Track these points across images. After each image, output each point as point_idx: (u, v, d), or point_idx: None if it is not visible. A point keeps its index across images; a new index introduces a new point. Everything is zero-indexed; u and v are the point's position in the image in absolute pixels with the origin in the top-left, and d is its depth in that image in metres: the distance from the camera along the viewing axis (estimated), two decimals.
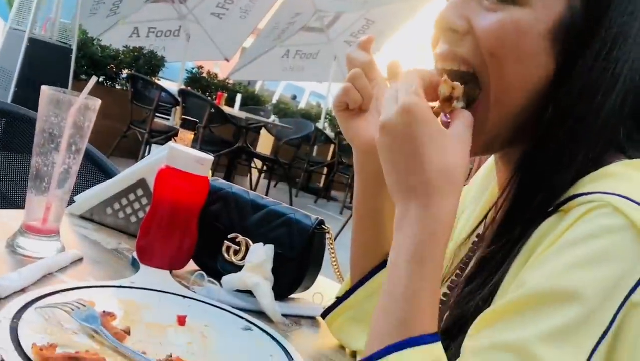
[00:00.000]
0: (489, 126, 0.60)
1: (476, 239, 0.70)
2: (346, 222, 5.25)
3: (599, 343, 0.47)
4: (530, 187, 0.58)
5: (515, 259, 0.56)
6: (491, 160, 0.78)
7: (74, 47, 5.03)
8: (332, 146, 8.33)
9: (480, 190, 0.78)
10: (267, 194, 0.97)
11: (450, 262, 0.72)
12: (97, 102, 0.81)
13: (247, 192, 0.95)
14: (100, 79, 6.43)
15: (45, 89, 0.78)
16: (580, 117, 0.56)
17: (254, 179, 6.91)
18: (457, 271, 0.71)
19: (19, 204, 1.28)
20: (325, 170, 8.51)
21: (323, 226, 0.92)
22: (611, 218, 0.49)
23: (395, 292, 0.54)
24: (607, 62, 0.56)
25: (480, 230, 0.70)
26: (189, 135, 1.00)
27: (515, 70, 0.57)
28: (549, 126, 0.57)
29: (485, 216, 0.70)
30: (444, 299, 0.71)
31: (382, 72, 0.72)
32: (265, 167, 7.10)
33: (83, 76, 6.03)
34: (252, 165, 6.95)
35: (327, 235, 0.93)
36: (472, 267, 0.64)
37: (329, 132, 8.50)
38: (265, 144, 7.89)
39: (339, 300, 0.81)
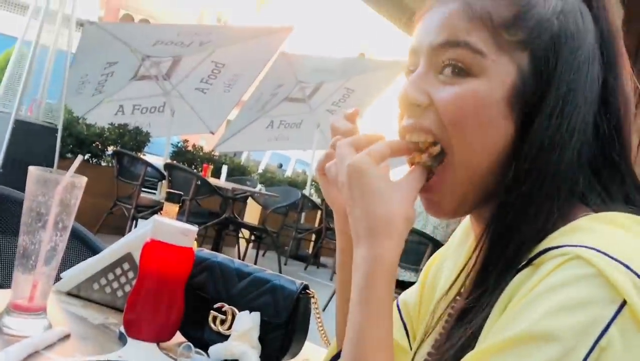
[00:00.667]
0: (457, 189, 0.64)
1: (458, 297, 0.72)
2: None
3: None
4: (502, 240, 0.61)
5: (492, 310, 0.58)
6: (468, 218, 0.81)
7: (60, 127, 5.11)
8: (319, 212, 8.36)
9: (459, 244, 0.80)
10: (255, 264, 0.98)
11: (431, 318, 0.74)
12: (83, 180, 0.84)
13: (232, 261, 0.97)
14: (86, 156, 6.49)
15: (32, 170, 0.81)
16: (542, 172, 0.60)
17: (242, 249, 6.88)
18: (441, 329, 0.72)
19: (6, 285, 1.28)
20: (313, 237, 8.51)
21: (308, 291, 0.93)
22: (582, 268, 0.51)
23: (349, 335, 0.60)
24: (560, 118, 0.60)
25: (459, 286, 0.72)
26: (174, 208, 1.03)
27: (477, 136, 0.62)
28: (514, 183, 0.61)
29: (462, 272, 0.72)
30: (429, 358, 0.72)
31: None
32: (253, 237, 7.08)
33: (69, 155, 6.09)
34: (240, 235, 6.93)
35: (312, 300, 0.94)
36: (452, 321, 0.66)
37: (315, 199, 8.55)
38: (252, 213, 7.89)
39: None
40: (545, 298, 0.52)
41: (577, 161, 0.60)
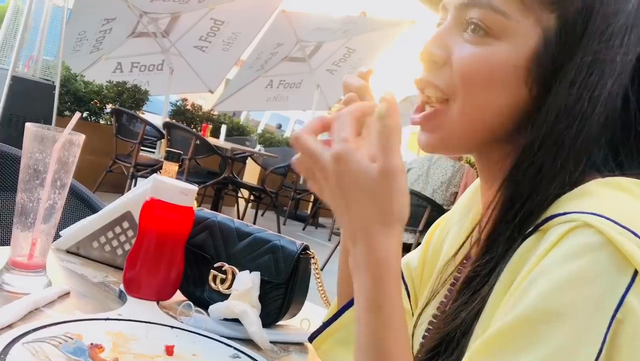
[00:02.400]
0: (451, 134, 0.63)
1: (465, 261, 0.72)
2: (335, 249, 5.25)
3: None
4: (512, 208, 0.59)
5: (499, 278, 0.57)
6: (475, 183, 0.81)
7: (58, 84, 5.05)
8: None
9: (464, 212, 0.79)
10: (254, 224, 0.97)
11: (437, 281, 0.74)
12: (81, 138, 0.83)
13: (232, 220, 0.96)
14: (84, 114, 6.44)
15: (29, 126, 0.80)
16: (559, 142, 0.57)
17: (241, 209, 6.91)
18: (447, 292, 0.72)
19: (5, 242, 1.28)
20: (312, 197, 8.53)
21: (308, 251, 0.93)
22: (590, 237, 0.50)
23: (361, 343, 0.56)
24: (583, 88, 0.57)
25: (466, 251, 0.71)
26: (173, 167, 1.02)
27: (486, 96, 0.60)
28: (528, 151, 0.59)
29: (470, 236, 0.71)
30: (435, 321, 0.72)
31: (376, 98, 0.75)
32: (252, 197, 7.10)
33: (67, 112, 6.04)
34: (239, 195, 6.94)
35: (312, 260, 0.94)
36: (459, 285, 0.65)
37: None
38: (251, 173, 7.90)
39: (327, 323, 0.82)
40: (552, 271, 0.50)
41: (600, 133, 0.58)
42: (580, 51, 0.58)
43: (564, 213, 0.53)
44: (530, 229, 0.57)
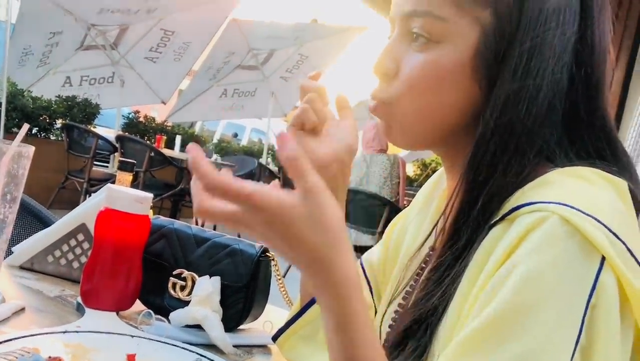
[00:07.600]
0: (407, 130, 0.66)
1: (430, 251, 0.73)
2: None
3: (574, 351, 0.49)
4: (472, 195, 0.61)
5: (467, 266, 0.58)
6: (435, 176, 0.83)
7: (4, 100, 4.92)
8: (277, 180, 8.33)
9: (424, 205, 0.81)
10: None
11: (403, 274, 0.75)
12: (31, 150, 0.81)
13: (190, 227, 0.96)
14: (34, 130, 6.28)
15: None
16: (508, 128, 0.60)
17: (200, 220, 6.83)
18: (412, 282, 0.74)
19: None
20: None
21: (268, 253, 0.94)
22: (558, 227, 0.51)
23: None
24: (525, 74, 0.59)
25: (431, 242, 0.73)
26: (127, 176, 1.01)
27: (434, 98, 0.63)
28: (481, 139, 0.61)
29: (435, 227, 0.73)
30: (400, 310, 0.73)
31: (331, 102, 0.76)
32: None
33: (15, 129, 5.88)
34: None
35: (272, 262, 0.95)
36: (425, 274, 0.67)
37: (272, 167, 8.52)
38: None
39: (291, 321, 0.82)
40: (527, 263, 0.51)
41: (548, 116, 0.60)
42: (518, 39, 0.60)
43: (530, 203, 0.55)
44: (496, 219, 0.58)
